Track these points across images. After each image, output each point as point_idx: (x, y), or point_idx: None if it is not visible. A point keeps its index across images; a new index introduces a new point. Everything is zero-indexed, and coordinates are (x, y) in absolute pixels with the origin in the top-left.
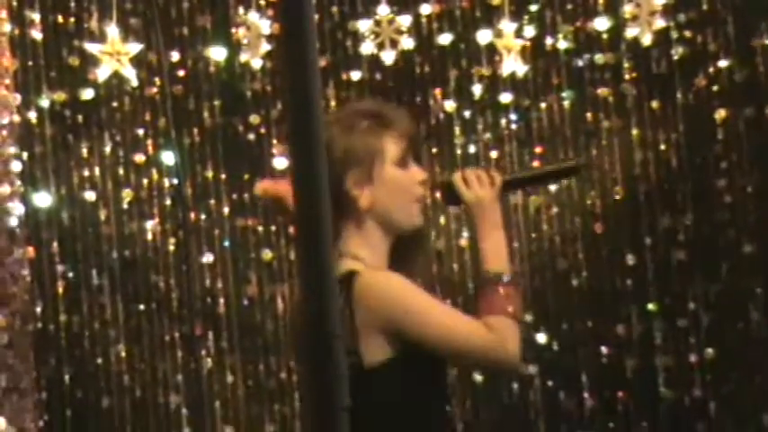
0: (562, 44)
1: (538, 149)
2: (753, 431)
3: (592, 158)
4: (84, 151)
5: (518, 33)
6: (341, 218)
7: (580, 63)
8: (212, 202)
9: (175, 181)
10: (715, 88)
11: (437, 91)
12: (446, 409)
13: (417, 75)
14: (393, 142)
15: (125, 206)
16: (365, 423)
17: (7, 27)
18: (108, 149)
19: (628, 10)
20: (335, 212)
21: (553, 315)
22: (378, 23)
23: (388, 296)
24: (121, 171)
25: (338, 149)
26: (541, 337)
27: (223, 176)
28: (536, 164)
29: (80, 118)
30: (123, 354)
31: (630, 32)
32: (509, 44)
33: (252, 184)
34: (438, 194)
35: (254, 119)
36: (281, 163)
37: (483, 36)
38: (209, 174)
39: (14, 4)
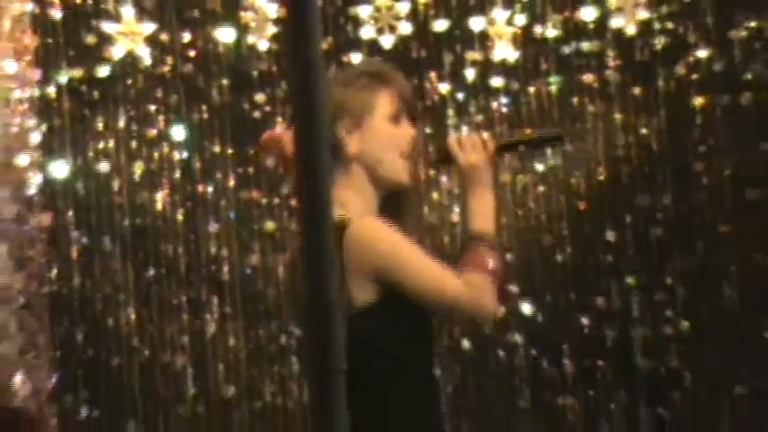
0: (551, 32)
1: (527, 131)
2: (726, 401)
3: (578, 131)
4: (100, 125)
5: (509, 21)
6: (334, 164)
7: (567, 50)
8: (219, 175)
9: (185, 154)
10: (694, 77)
11: (432, 74)
12: (431, 360)
13: (414, 58)
14: (388, 99)
15: (137, 178)
16: (352, 361)
17: (29, 6)
18: (122, 124)
19: (613, 1)
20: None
21: (538, 288)
22: (377, 9)
23: (375, 242)
24: (134, 144)
25: (333, 101)
26: (527, 309)
27: (230, 151)
28: (528, 131)
29: (96, 94)
30: (133, 316)
31: (615, 23)
32: (501, 31)
33: (257, 160)
34: (434, 156)
35: (260, 98)
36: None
37: (476, 23)
38: (217, 149)
39: None
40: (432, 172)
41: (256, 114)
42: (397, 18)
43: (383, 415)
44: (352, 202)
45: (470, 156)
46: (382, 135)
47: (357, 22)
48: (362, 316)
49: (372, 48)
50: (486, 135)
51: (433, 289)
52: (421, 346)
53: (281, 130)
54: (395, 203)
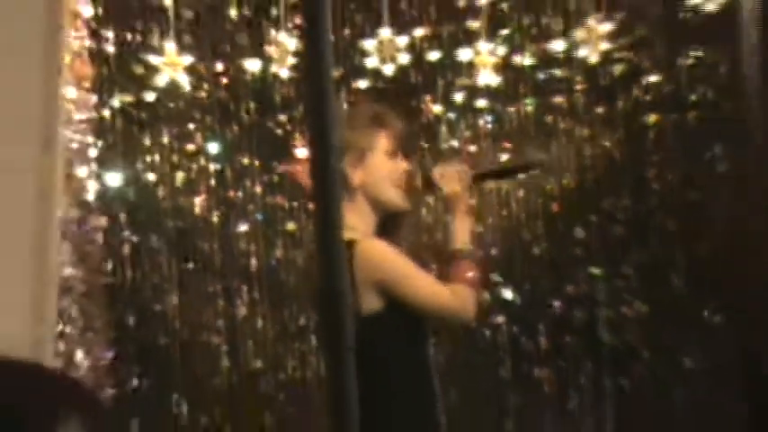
0: (527, 61)
1: (507, 145)
2: (677, 371)
3: (544, 160)
4: (147, 141)
5: (492, 52)
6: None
7: (541, 76)
8: (247, 183)
9: (219, 166)
10: (647, 98)
11: (427, 97)
12: (428, 352)
13: (411, 84)
14: (385, 139)
15: (178, 185)
16: (362, 360)
17: (87, 42)
18: (165, 140)
19: (579, 35)
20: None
21: (518, 276)
22: (380, 42)
23: (380, 261)
24: (175, 158)
25: (340, 139)
26: (508, 294)
27: (257, 163)
28: (503, 159)
29: (144, 115)
30: (175, 302)
31: (581, 53)
32: (485, 61)
33: (281, 176)
34: (420, 185)
35: (282, 118)
36: (302, 152)
37: (464, 54)
38: (246, 161)
39: (93, 24)
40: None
41: (279, 132)
42: (397, 50)
43: (386, 404)
44: (358, 225)
45: (451, 185)
46: (381, 169)
47: (363, 54)
48: (368, 321)
49: (376, 75)
50: (464, 167)
51: (428, 299)
52: (418, 348)
53: (296, 167)
54: (391, 222)
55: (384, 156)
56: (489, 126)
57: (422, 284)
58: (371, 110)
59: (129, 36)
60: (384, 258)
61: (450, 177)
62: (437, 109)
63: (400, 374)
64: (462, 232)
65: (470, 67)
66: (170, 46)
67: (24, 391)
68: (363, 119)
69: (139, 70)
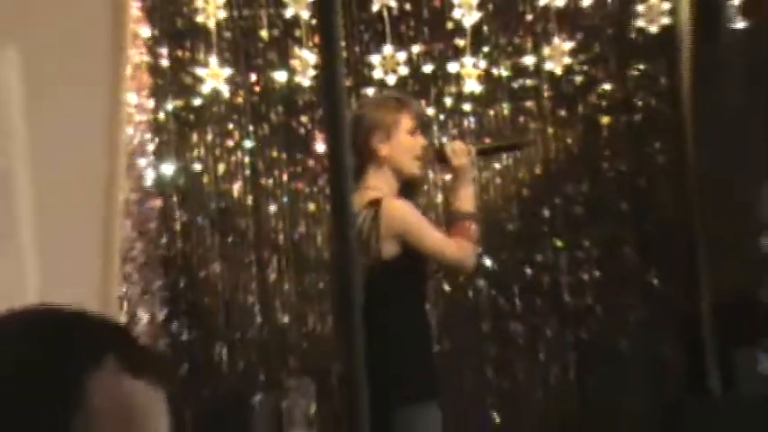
0: (504, 73)
1: (487, 140)
2: (624, 325)
3: (534, 137)
4: (194, 138)
5: (475, 65)
6: (368, 162)
7: (515, 85)
8: (276, 172)
9: (252, 158)
10: (601, 103)
11: (422, 102)
12: (427, 288)
13: (409, 91)
14: (407, 118)
15: (220, 174)
16: (381, 293)
17: (145, 57)
18: (209, 138)
19: (546, 51)
20: (365, 160)
21: (496, 248)
22: (384, 58)
23: (401, 216)
24: (217, 152)
25: (370, 119)
26: (488, 262)
27: (283, 156)
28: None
29: (191, 117)
30: (218, 269)
31: (548, 66)
32: (469, 72)
33: (304, 166)
34: (434, 158)
35: (304, 119)
36: (320, 147)
37: (452, 67)
38: (275, 154)
39: (150, 42)
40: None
41: (301, 131)
42: (398, 63)
43: (398, 323)
44: (383, 188)
45: (461, 159)
46: (404, 144)
47: (370, 67)
48: (388, 264)
49: (381, 84)
50: (470, 143)
51: (438, 249)
52: (420, 285)
53: None
54: (409, 187)
55: (406, 133)
56: (472, 125)
57: (434, 238)
58: (396, 96)
59: (179, 52)
60: (405, 214)
61: (460, 152)
62: (430, 111)
63: (408, 303)
64: (467, 198)
65: (457, 77)
66: (213, 60)
67: (72, 329)
68: (389, 103)
69: (188, 80)
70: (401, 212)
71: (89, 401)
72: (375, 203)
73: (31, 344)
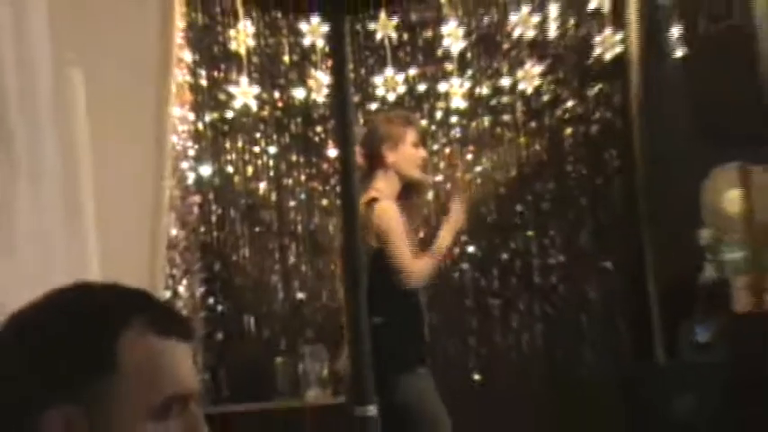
0: (485, 91)
1: (471, 148)
2: (584, 301)
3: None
4: (228, 145)
5: (461, 85)
6: (377, 167)
7: (494, 102)
8: (295, 173)
9: (275, 161)
10: (565, 116)
11: (417, 115)
12: None
13: (406, 107)
14: (412, 133)
15: (249, 175)
16: (376, 275)
17: (188, 77)
18: (240, 144)
19: (519, 74)
20: (375, 164)
21: (478, 236)
22: (385, 80)
23: (385, 218)
24: (247, 156)
25: (382, 131)
26: (471, 248)
27: (301, 160)
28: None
29: (226, 127)
30: (247, 254)
31: (521, 86)
32: (456, 91)
33: (318, 169)
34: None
35: (318, 129)
36: (332, 152)
37: (442, 86)
38: (294, 158)
39: (192, 65)
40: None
41: (316, 139)
42: (397, 83)
43: (391, 303)
44: (384, 190)
45: (459, 215)
46: (408, 154)
47: (374, 86)
48: (376, 253)
49: (383, 101)
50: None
51: (399, 256)
52: None
53: None
54: (410, 188)
55: (410, 145)
56: (458, 135)
57: (402, 247)
58: (405, 114)
59: (215, 73)
60: (388, 217)
61: (461, 209)
62: (423, 123)
63: (396, 289)
64: (445, 238)
65: (446, 95)
66: (243, 80)
67: (102, 298)
68: (399, 120)
69: (222, 96)
70: (387, 216)
71: (120, 359)
72: (373, 202)
73: (69, 312)
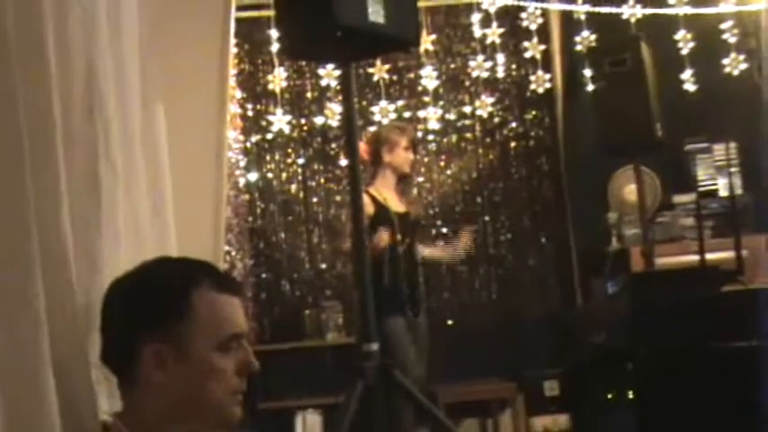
0: (452, 117)
1: (443, 157)
2: (526, 268)
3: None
4: (267, 158)
5: (435, 112)
6: (378, 166)
7: (459, 124)
8: (317, 177)
9: (303, 169)
10: (510, 134)
11: (410, 126)
12: (398, 247)
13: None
14: (405, 140)
15: (283, 179)
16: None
17: (238, 110)
18: (277, 157)
19: (477, 103)
20: (377, 165)
21: (449, 221)
22: (380, 108)
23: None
24: (282, 166)
25: (382, 136)
26: (444, 230)
27: (321, 168)
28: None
29: (266, 145)
30: (283, 236)
31: (479, 112)
32: (431, 116)
33: (333, 174)
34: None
35: (334, 146)
36: (343, 162)
37: (422, 113)
38: (316, 167)
39: (241, 100)
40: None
41: (332, 153)
42: (389, 111)
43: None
44: (382, 183)
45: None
46: (401, 155)
47: (372, 113)
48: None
49: (379, 124)
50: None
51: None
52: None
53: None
54: (403, 180)
55: (403, 149)
56: (434, 148)
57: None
58: (400, 124)
59: (258, 106)
60: (366, 204)
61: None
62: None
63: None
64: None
65: (425, 119)
66: (279, 111)
67: (180, 265)
68: (395, 128)
69: (263, 123)
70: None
71: (194, 307)
72: (366, 193)
73: (164, 271)
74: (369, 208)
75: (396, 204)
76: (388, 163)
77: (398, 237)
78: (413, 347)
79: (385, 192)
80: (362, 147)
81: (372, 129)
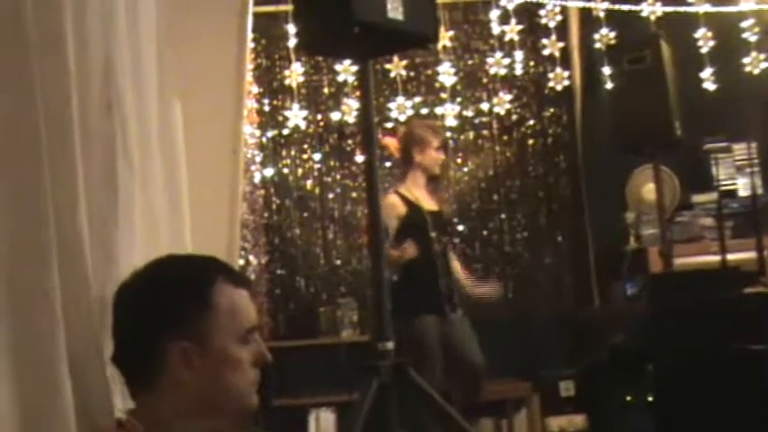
0: (470, 113)
1: (460, 154)
2: (542, 265)
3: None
4: (284, 153)
5: (452, 109)
6: (409, 165)
7: (476, 121)
8: (333, 173)
9: (319, 165)
10: (528, 131)
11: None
12: (429, 249)
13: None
14: (435, 139)
15: (299, 174)
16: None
17: (255, 105)
18: (293, 152)
19: (495, 101)
20: (408, 164)
21: (465, 218)
22: (398, 104)
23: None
24: (297, 161)
25: (415, 135)
26: (461, 227)
27: (337, 164)
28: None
29: (282, 140)
30: (298, 232)
31: (496, 109)
32: (449, 113)
33: (350, 170)
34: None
35: (350, 141)
36: (360, 158)
37: (439, 110)
38: (332, 163)
39: (257, 95)
40: None
41: (348, 148)
42: (406, 108)
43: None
44: (413, 183)
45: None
46: (432, 155)
47: (389, 110)
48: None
49: (396, 121)
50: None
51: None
52: (420, 242)
53: (387, 140)
54: (434, 181)
55: (434, 150)
56: (452, 145)
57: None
58: (432, 123)
59: (274, 101)
60: (383, 205)
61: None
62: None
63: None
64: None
65: (442, 116)
66: (295, 106)
67: (198, 261)
68: (428, 128)
69: (280, 118)
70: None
71: (214, 299)
72: (396, 193)
73: (179, 269)
74: (401, 208)
75: (428, 203)
76: (418, 163)
77: (432, 235)
78: (440, 348)
79: (416, 191)
80: (393, 142)
81: (403, 124)
